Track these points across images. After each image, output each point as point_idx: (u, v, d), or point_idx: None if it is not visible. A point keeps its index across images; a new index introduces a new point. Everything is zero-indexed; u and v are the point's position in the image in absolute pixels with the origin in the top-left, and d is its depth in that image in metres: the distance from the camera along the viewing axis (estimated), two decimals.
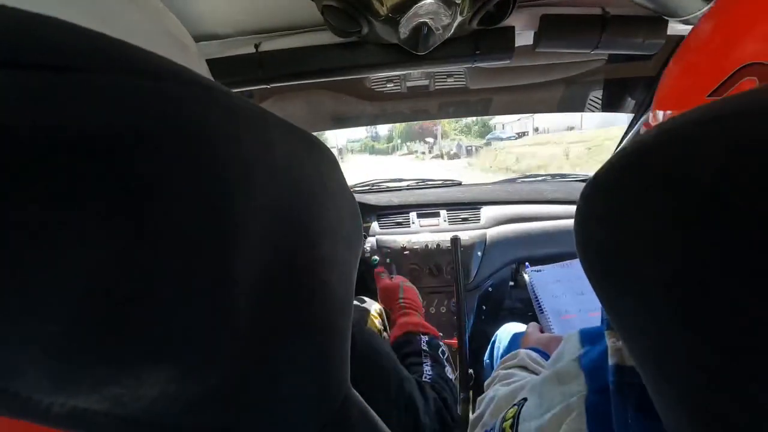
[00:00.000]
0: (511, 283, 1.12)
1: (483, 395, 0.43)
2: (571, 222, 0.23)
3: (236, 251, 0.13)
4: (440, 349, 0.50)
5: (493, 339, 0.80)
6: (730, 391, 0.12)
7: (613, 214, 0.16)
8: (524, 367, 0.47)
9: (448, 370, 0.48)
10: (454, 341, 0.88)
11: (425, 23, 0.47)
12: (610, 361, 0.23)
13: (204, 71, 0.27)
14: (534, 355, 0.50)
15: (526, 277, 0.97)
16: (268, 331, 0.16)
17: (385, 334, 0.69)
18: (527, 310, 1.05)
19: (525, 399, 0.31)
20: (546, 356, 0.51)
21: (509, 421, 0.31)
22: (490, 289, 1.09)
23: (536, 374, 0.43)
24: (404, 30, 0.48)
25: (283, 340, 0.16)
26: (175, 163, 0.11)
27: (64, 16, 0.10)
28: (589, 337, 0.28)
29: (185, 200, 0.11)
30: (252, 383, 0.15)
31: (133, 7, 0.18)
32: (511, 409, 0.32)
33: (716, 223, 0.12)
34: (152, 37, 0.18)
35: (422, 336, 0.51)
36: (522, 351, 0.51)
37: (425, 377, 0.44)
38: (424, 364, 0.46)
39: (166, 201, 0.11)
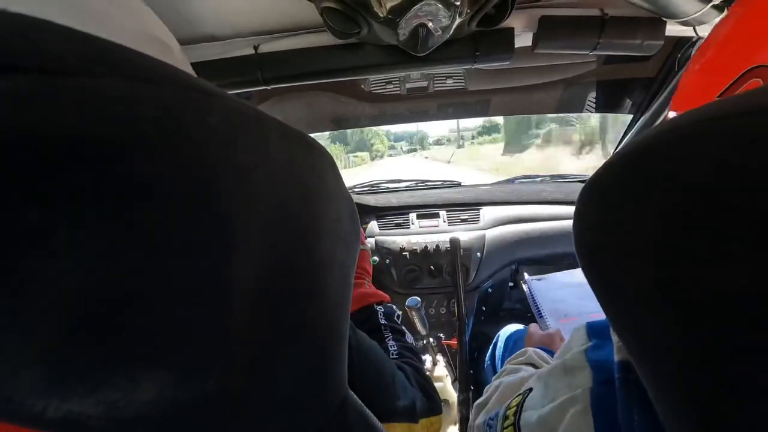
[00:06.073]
0: (511, 284, 1.12)
1: (489, 385, 0.44)
2: (570, 223, 0.23)
3: (233, 255, 0.13)
4: (395, 315, 0.50)
5: (495, 340, 0.80)
6: (729, 391, 0.12)
7: (611, 215, 0.16)
8: (532, 364, 0.48)
9: (408, 336, 0.49)
10: (454, 342, 0.88)
11: (424, 25, 0.47)
12: (616, 358, 0.23)
13: (189, 73, 0.27)
14: (541, 353, 0.50)
15: (524, 286, 0.97)
16: (265, 334, 0.15)
17: None
18: (526, 311, 1.05)
19: (530, 389, 0.31)
20: (551, 354, 0.51)
21: (513, 409, 0.31)
22: (489, 290, 1.09)
23: None
24: (403, 31, 0.48)
25: (281, 342, 0.16)
26: (170, 168, 0.11)
27: (44, 17, 0.09)
28: (596, 330, 0.28)
29: (180, 204, 0.11)
30: (248, 386, 0.15)
31: (113, 8, 0.17)
32: (516, 398, 0.32)
33: (714, 222, 0.12)
34: (134, 38, 0.18)
35: (377, 307, 0.50)
36: (530, 349, 0.51)
37: (392, 354, 0.44)
38: (387, 339, 0.46)
39: (160, 205, 0.11)
